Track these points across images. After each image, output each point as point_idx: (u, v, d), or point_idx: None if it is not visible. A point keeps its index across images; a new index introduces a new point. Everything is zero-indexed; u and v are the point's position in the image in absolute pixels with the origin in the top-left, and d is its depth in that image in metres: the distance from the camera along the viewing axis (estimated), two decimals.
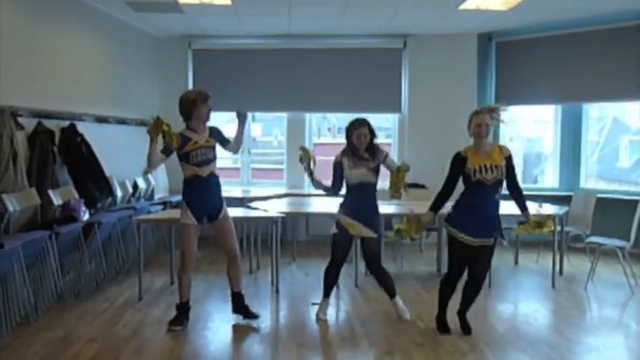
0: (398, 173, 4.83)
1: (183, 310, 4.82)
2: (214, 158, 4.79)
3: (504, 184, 4.66)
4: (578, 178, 8.43)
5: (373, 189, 4.96)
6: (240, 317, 4.94)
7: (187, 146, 4.66)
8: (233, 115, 4.99)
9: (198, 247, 4.89)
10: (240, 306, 4.95)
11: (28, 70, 5.82)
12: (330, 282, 5.07)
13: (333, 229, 4.99)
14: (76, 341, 4.40)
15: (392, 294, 5.06)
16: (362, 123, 4.89)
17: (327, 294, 5.09)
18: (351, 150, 4.90)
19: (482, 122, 4.53)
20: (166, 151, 4.66)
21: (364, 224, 4.90)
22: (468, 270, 4.67)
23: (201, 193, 4.74)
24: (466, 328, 4.71)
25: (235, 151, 5.08)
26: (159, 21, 7.96)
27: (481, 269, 4.66)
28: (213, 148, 4.79)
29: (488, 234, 4.54)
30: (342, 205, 5.02)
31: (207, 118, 4.76)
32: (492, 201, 4.54)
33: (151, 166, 4.70)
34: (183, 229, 4.76)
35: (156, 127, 4.50)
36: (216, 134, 4.85)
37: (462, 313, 4.76)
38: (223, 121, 5.10)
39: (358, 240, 5.17)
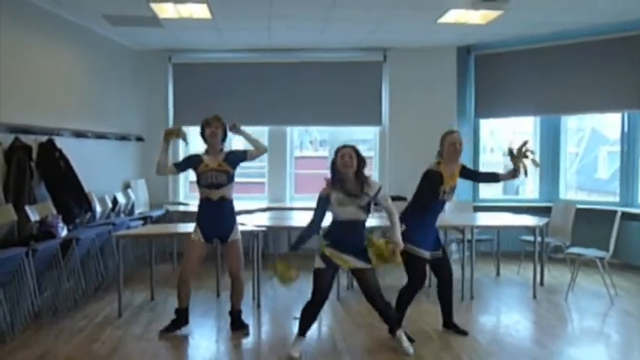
0: (386, 246, 4.38)
1: (180, 315, 4.98)
2: (227, 183, 4.84)
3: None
4: (558, 189, 8.52)
5: (362, 225, 4.46)
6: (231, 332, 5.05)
7: (199, 168, 4.82)
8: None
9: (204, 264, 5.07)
10: (234, 321, 5.08)
11: (5, 84, 5.74)
12: (310, 321, 4.51)
13: (318, 263, 4.41)
14: None
15: (392, 329, 4.62)
16: (345, 145, 4.46)
17: (303, 332, 4.52)
18: (339, 182, 4.36)
19: (457, 141, 4.79)
20: (179, 167, 4.92)
21: (355, 256, 4.40)
22: (437, 277, 4.99)
23: (209, 216, 4.85)
24: (461, 332, 4.94)
25: (260, 152, 4.99)
26: (138, 35, 7.93)
27: (447, 273, 4.94)
28: (227, 172, 4.84)
29: (438, 247, 4.89)
30: (326, 237, 4.46)
31: (212, 141, 4.83)
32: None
33: (159, 172, 4.86)
34: (187, 243, 4.93)
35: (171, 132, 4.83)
36: (230, 158, 4.90)
37: (450, 321, 4.99)
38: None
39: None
